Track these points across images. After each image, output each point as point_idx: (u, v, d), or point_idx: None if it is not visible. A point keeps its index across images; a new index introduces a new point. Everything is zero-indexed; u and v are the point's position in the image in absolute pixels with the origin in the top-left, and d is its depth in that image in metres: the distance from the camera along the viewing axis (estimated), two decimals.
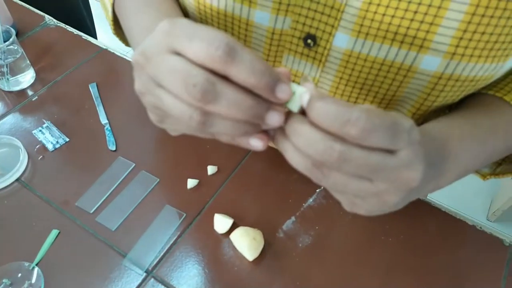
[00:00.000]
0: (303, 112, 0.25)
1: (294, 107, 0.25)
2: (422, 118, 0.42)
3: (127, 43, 0.52)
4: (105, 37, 1.28)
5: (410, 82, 0.36)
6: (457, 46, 0.32)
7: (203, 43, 0.23)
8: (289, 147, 0.26)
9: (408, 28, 0.32)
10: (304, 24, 0.36)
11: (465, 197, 1.58)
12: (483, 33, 0.31)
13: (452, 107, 0.42)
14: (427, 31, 0.32)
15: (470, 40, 0.31)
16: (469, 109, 0.38)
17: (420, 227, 0.51)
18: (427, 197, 0.55)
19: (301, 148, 0.24)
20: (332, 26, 0.35)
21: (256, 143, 0.26)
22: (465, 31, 0.31)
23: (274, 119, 0.24)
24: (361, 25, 0.34)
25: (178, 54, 0.24)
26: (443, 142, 0.32)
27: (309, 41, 0.37)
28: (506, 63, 0.34)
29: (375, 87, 0.38)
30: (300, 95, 0.25)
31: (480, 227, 0.51)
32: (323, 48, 0.37)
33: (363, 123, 0.22)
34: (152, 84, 0.26)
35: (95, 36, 1.34)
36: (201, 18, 0.41)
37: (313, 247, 0.49)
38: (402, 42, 0.33)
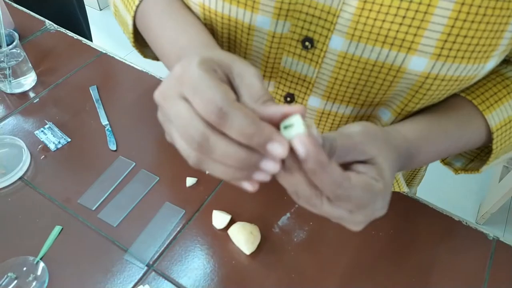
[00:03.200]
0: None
1: (290, 136, 0.26)
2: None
3: (145, 55, 0.53)
4: (100, 42, 1.30)
5: (399, 82, 0.39)
6: (442, 48, 0.35)
7: (202, 103, 0.26)
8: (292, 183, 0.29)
9: (397, 31, 0.35)
10: (302, 28, 0.39)
11: (454, 200, 1.62)
12: (465, 36, 0.34)
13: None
14: (415, 34, 0.35)
15: (454, 42, 0.34)
16: (441, 111, 0.42)
17: (409, 223, 0.54)
18: (416, 195, 0.58)
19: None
20: (329, 29, 0.38)
21: (248, 187, 0.29)
22: (449, 34, 0.34)
23: (269, 166, 0.27)
24: (355, 29, 0.36)
25: (186, 100, 0.27)
26: (414, 144, 0.38)
27: (307, 43, 0.40)
28: (487, 65, 0.37)
29: (367, 87, 0.41)
30: (297, 135, 0.26)
31: (466, 223, 0.54)
32: (319, 50, 0.40)
33: (352, 193, 0.29)
34: (166, 119, 0.29)
35: (91, 41, 1.36)
36: (206, 22, 0.43)
37: (307, 242, 0.51)
38: (392, 44, 0.36)
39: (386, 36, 0.36)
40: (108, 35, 2.19)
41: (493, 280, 0.49)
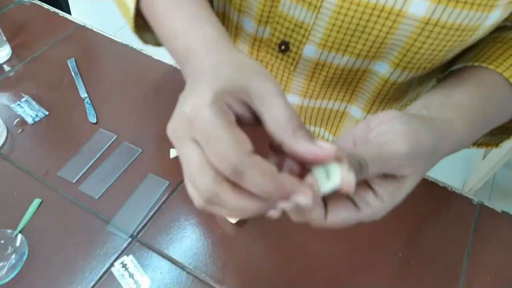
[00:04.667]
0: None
1: (325, 189, 0.26)
2: (409, 80, 0.44)
3: (145, 41, 0.49)
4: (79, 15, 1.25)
5: (398, 28, 0.38)
6: None
7: (215, 157, 0.24)
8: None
9: None
10: None
11: (439, 178, 1.64)
12: None
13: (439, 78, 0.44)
14: None
15: None
16: (483, 95, 0.38)
17: None
18: None
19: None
20: None
21: (272, 214, 0.28)
22: None
23: (284, 206, 0.26)
24: None
25: (197, 142, 0.25)
26: (462, 141, 0.35)
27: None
28: (490, 14, 0.36)
29: (365, 33, 0.40)
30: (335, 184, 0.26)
31: (451, 188, 0.54)
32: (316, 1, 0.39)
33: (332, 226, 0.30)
34: (180, 157, 0.27)
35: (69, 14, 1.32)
36: None
37: None
38: None
39: None
40: (86, 12, 2.13)
41: (477, 243, 0.49)
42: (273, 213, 0.27)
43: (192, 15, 0.36)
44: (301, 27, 0.42)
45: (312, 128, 0.57)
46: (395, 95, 0.48)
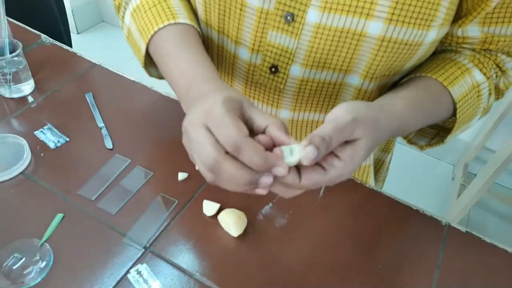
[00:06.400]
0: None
1: (288, 161, 0.36)
2: (378, 88, 0.56)
3: (150, 74, 0.61)
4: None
5: (362, 45, 0.49)
6: (393, 13, 0.45)
7: (222, 136, 0.35)
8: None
9: (358, 0, 0.45)
10: (284, 4, 0.48)
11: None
12: (409, 4, 0.45)
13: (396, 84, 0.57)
14: (371, 2, 0.45)
15: (401, 9, 0.45)
16: (418, 90, 0.52)
17: (374, 213, 0.62)
18: (382, 190, 0.66)
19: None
20: (305, 5, 0.47)
21: (260, 192, 0.39)
22: (397, 2, 0.45)
23: (266, 181, 0.37)
24: (326, 2, 0.46)
25: (208, 130, 0.36)
26: (404, 118, 0.47)
27: (288, 17, 0.49)
28: (429, 33, 0.47)
29: (337, 52, 0.50)
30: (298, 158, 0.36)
31: (423, 211, 0.63)
32: (299, 23, 0.49)
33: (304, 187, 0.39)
34: (189, 143, 0.39)
35: (70, 46, 1.42)
36: (205, 1, 0.53)
37: (287, 227, 0.58)
38: (354, 12, 0.46)
39: (350, 5, 0.46)
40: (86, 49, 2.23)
41: (445, 258, 0.57)
42: (261, 191, 0.38)
43: (194, 58, 0.49)
44: (286, 52, 0.53)
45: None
46: (369, 101, 0.58)
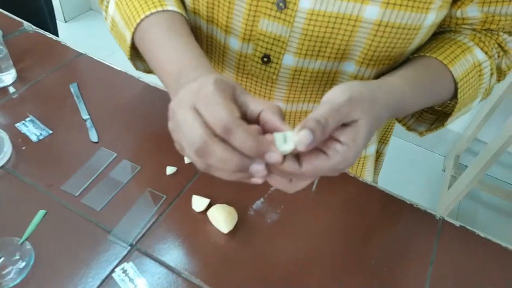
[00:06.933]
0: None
1: (282, 149, 0.34)
2: (376, 76, 0.53)
3: (136, 67, 0.58)
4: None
5: (358, 31, 0.47)
6: None
7: (211, 117, 0.32)
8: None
9: None
10: None
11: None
12: None
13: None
14: None
15: None
16: (418, 69, 0.50)
17: (367, 207, 0.60)
18: (376, 185, 0.65)
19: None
20: None
21: (255, 181, 0.36)
22: None
23: (257, 168, 0.34)
24: None
25: (197, 111, 0.34)
26: (406, 95, 0.45)
27: (280, 4, 0.47)
28: (427, 16, 0.46)
29: (332, 39, 0.48)
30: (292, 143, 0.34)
31: (416, 205, 0.61)
32: (291, 10, 0.47)
33: (305, 176, 0.37)
34: (175, 127, 0.36)
35: (56, 35, 1.38)
36: None
37: (279, 223, 0.57)
38: None
39: None
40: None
41: (439, 252, 0.56)
42: (257, 180, 0.35)
43: (184, 46, 0.46)
44: (279, 40, 0.51)
45: None
46: None
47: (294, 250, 0.54)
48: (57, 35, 1.39)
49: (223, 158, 0.32)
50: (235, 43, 0.54)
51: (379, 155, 0.78)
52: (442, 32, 0.56)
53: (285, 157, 0.34)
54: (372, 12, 0.45)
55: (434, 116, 0.62)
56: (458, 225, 0.60)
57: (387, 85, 0.44)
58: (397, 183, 1.80)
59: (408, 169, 1.87)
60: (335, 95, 0.37)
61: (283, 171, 0.35)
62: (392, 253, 0.56)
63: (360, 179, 0.64)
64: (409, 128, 0.63)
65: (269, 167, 0.35)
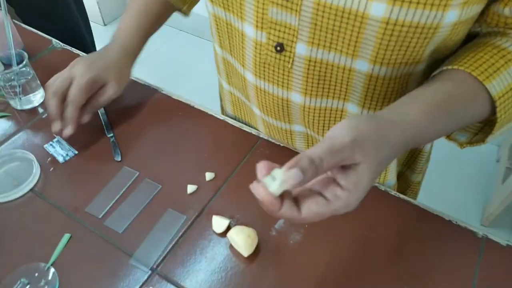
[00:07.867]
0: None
1: (273, 189, 0.33)
2: (398, 76, 0.49)
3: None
4: None
5: (365, 28, 0.44)
6: None
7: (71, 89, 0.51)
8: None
9: None
10: None
11: (458, 204, 1.62)
12: None
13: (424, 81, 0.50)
14: None
15: None
16: (446, 89, 0.44)
17: (402, 224, 0.56)
18: (410, 199, 0.60)
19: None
20: None
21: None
22: None
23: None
24: None
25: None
26: (421, 126, 0.41)
27: None
28: (446, 14, 0.41)
29: (341, 33, 0.46)
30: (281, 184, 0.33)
31: (456, 222, 0.56)
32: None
33: (304, 221, 0.36)
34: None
35: (92, 40, 1.41)
36: None
37: (303, 243, 0.54)
38: None
39: None
40: None
41: (482, 277, 0.51)
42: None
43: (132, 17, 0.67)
44: (290, 29, 0.49)
45: (317, 137, 0.64)
46: (382, 90, 0.52)
47: (318, 272, 0.51)
48: (93, 43, 1.43)
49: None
50: (250, 31, 0.53)
51: (418, 154, 0.73)
52: (488, 34, 0.50)
53: (282, 200, 0.32)
54: (378, 9, 0.41)
55: (479, 124, 0.55)
56: (504, 244, 0.54)
57: (402, 117, 0.40)
58: (446, 174, 1.69)
59: (458, 160, 1.75)
60: (340, 133, 0.35)
61: (282, 216, 0.34)
62: (427, 276, 0.51)
63: (393, 193, 0.59)
64: (449, 137, 0.57)
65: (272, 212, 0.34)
